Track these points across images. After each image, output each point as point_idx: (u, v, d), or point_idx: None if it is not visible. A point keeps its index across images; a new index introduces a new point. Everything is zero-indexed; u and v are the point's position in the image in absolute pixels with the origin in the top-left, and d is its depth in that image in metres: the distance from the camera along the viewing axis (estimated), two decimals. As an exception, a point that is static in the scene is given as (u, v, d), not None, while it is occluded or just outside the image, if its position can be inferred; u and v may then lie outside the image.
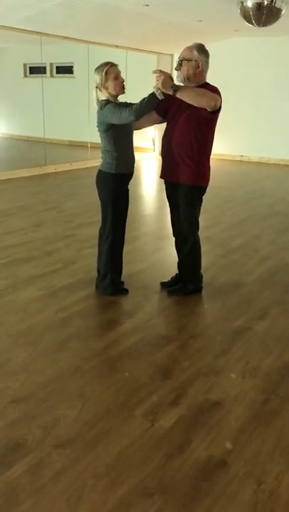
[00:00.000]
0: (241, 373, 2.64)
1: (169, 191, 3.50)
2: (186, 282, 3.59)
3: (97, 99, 3.32)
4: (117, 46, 9.77)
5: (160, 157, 3.66)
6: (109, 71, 3.21)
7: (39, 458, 1.99)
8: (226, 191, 7.34)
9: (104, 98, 3.28)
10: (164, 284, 3.74)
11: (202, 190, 3.44)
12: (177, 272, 3.72)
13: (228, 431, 2.19)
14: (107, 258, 3.51)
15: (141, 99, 3.10)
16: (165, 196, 3.59)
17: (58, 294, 3.59)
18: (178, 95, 3.05)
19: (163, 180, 3.54)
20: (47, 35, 8.52)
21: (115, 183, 3.38)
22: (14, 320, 3.18)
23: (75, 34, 8.77)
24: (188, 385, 2.52)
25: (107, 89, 3.23)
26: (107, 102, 3.24)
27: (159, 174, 3.54)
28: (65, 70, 12.42)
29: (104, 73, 3.20)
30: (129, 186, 3.51)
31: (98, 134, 3.37)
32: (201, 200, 3.48)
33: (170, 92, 3.03)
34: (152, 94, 3.06)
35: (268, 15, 5.80)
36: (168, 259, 4.25)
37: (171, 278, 3.76)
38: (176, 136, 3.27)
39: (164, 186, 3.57)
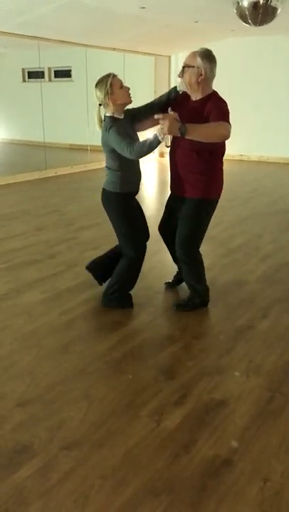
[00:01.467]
0: (245, 372, 2.65)
1: (174, 203, 3.37)
2: (192, 296, 3.44)
3: (100, 119, 3.14)
4: (114, 49, 9.80)
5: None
6: (114, 82, 3.04)
7: (46, 460, 2.00)
8: (227, 190, 7.29)
9: (108, 114, 3.11)
10: (168, 284, 3.76)
11: (211, 204, 3.24)
12: (178, 269, 3.73)
13: (233, 429, 2.20)
14: (119, 276, 3.38)
15: (144, 141, 2.96)
16: (165, 200, 3.54)
17: (61, 296, 3.61)
18: (187, 137, 2.83)
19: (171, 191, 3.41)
20: (44, 39, 8.55)
21: (121, 202, 3.25)
22: (18, 323, 3.20)
23: (72, 38, 8.81)
24: (192, 384, 2.53)
25: (114, 101, 3.05)
26: (112, 121, 3.07)
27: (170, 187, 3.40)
28: (64, 74, 12.46)
29: (109, 85, 3.02)
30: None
31: (98, 136, 3.32)
32: (210, 214, 3.28)
33: (178, 135, 2.81)
34: (155, 137, 2.90)
35: (264, 14, 5.81)
36: (169, 260, 4.25)
37: (174, 277, 3.78)
38: (182, 150, 3.10)
39: (166, 188, 3.53)
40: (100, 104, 3.10)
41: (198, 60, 2.97)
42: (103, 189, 3.32)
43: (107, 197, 3.29)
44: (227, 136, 2.88)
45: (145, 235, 3.43)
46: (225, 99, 3.04)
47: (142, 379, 2.58)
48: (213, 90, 3.10)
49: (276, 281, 3.90)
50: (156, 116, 2.88)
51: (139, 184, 3.33)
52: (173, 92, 3.21)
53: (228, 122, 2.90)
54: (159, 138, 2.88)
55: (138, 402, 2.38)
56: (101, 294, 3.61)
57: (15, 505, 1.79)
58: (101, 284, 3.64)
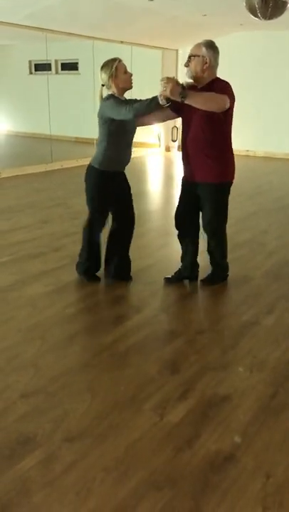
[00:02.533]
0: (249, 367, 2.64)
1: (190, 188, 3.46)
2: (214, 271, 3.71)
3: (101, 97, 3.33)
4: (122, 42, 9.75)
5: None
6: (119, 66, 3.24)
7: (49, 452, 2.01)
8: (233, 186, 7.29)
9: (110, 93, 3.31)
10: (168, 280, 3.74)
11: (228, 186, 3.46)
12: (180, 267, 3.73)
13: (237, 425, 2.19)
14: (83, 244, 3.68)
15: (145, 98, 3.11)
16: (175, 192, 3.59)
17: (66, 289, 3.61)
18: (186, 102, 3.04)
19: (183, 180, 3.53)
20: (52, 31, 8.51)
21: (97, 179, 3.43)
22: (23, 315, 3.20)
23: (79, 30, 8.77)
24: (196, 379, 2.53)
25: (117, 85, 3.25)
26: (112, 96, 3.27)
27: (183, 175, 3.51)
28: (70, 66, 12.42)
29: (114, 69, 3.22)
30: (132, 183, 3.51)
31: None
32: (228, 194, 3.49)
33: (178, 99, 3.02)
34: (155, 98, 3.05)
35: (273, 8, 5.74)
36: (174, 254, 4.25)
37: (175, 273, 3.76)
38: (194, 136, 3.27)
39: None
40: (103, 85, 3.30)
41: (203, 50, 3.18)
42: (88, 164, 3.50)
43: (88, 170, 3.48)
44: (223, 106, 3.09)
45: (102, 222, 3.63)
46: (230, 83, 3.22)
47: (146, 373, 2.58)
48: (217, 76, 3.28)
49: (281, 277, 3.89)
50: (160, 79, 3.07)
51: (123, 165, 3.47)
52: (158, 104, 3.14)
53: (228, 96, 3.11)
54: (159, 99, 3.02)
55: (142, 396, 2.38)
56: (105, 288, 3.63)
57: (18, 495, 1.80)
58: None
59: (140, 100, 3.19)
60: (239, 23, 8.88)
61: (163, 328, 3.08)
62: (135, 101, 3.28)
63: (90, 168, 3.48)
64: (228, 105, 3.11)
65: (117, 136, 3.30)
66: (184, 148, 3.39)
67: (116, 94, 3.28)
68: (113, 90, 3.29)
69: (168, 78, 3.05)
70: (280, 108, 10.36)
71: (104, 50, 10.15)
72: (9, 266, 4.06)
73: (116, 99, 3.22)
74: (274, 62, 10.23)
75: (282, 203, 6.46)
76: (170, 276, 3.76)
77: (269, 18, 6.07)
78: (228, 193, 3.49)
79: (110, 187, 3.45)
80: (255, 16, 6.16)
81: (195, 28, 9.01)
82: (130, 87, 3.31)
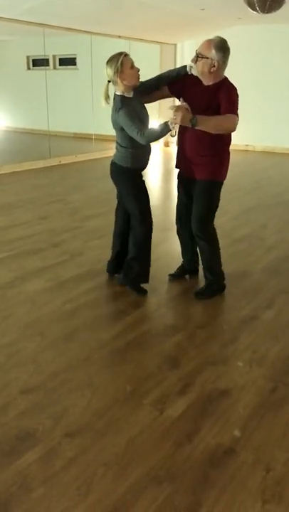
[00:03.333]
0: (249, 362, 2.65)
1: (184, 183, 3.45)
2: (209, 284, 3.49)
3: (106, 95, 3.19)
4: (120, 37, 9.71)
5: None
6: (125, 61, 3.07)
7: (49, 447, 2.01)
8: (232, 181, 7.26)
9: (118, 93, 3.15)
10: (172, 276, 3.74)
11: (219, 185, 3.36)
12: (182, 262, 3.73)
13: (237, 419, 2.20)
14: (138, 246, 3.41)
15: (155, 128, 3.10)
16: (175, 187, 3.58)
17: (66, 285, 3.61)
18: (197, 127, 2.99)
19: (178, 172, 3.50)
20: (49, 26, 8.48)
21: (132, 177, 3.34)
22: (22, 311, 3.20)
23: (77, 25, 8.73)
24: (196, 374, 2.53)
25: (123, 80, 3.09)
26: (122, 101, 3.10)
27: (175, 165, 3.47)
28: (68, 61, 12.37)
29: (119, 64, 3.05)
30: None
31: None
32: (218, 193, 3.38)
33: (189, 126, 2.99)
34: (166, 125, 3.02)
35: (272, 1, 5.72)
36: (174, 250, 4.25)
37: (178, 269, 3.77)
38: (193, 131, 3.14)
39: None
40: (109, 81, 3.17)
41: (213, 52, 3.05)
42: (114, 163, 3.38)
43: (118, 170, 3.36)
44: (233, 130, 3.07)
45: (150, 210, 3.45)
46: (236, 89, 3.15)
47: (146, 368, 2.58)
48: (225, 76, 3.19)
49: (281, 272, 3.89)
50: (169, 107, 3.04)
51: (148, 160, 3.41)
52: (183, 70, 3.25)
53: (236, 114, 3.05)
54: (170, 127, 3.03)
55: (142, 391, 2.38)
56: (104, 283, 3.63)
57: (18, 491, 1.80)
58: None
59: (152, 83, 3.22)
60: (237, 17, 8.84)
61: (163, 323, 3.08)
62: (146, 85, 3.23)
63: (118, 168, 3.33)
64: (235, 128, 3.04)
65: None
66: (182, 143, 3.32)
67: (125, 94, 3.14)
68: (120, 88, 3.13)
69: (178, 107, 3.00)
70: (279, 103, 10.34)
71: (102, 45, 10.13)
72: (8, 262, 4.06)
73: (127, 112, 3.07)
74: (273, 56, 10.20)
75: (282, 197, 6.46)
76: (174, 273, 3.76)
77: (267, 12, 6.04)
78: (218, 192, 3.37)
79: (141, 180, 3.42)
80: (254, 9, 6.14)
81: (193, 22, 8.98)
82: (137, 83, 3.18)
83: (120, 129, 3.19)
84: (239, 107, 3.12)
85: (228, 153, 3.32)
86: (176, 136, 3.34)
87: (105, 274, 3.75)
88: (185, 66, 3.25)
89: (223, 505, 1.75)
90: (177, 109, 2.98)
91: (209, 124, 3.02)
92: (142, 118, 3.19)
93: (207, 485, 1.84)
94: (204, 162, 3.23)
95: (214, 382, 2.46)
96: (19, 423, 2.16)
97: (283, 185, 7.25)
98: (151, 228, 3.45)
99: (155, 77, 3.32)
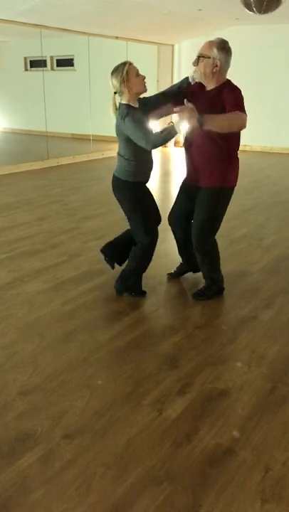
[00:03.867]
0: (247, 362, 2.65)
1: (188, 190, 3.37)
2: (208, 285, 3.46)
3: (115, 106, 3.13)
4: (117, 37, 9.72)
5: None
6: (130, 69, 3.03)
7: (48, 448, 2.01)
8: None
9: (124, 102, 3.09)
10: (170, 275, 3.75)
11: (228, 192, 3.26)
12: (181, 261, 3.74)
13: (236, 419, 2.20)
14: (136, 264, 3.38)
15: (161, 130, 2.98)
16: (175, 187, 3.53)
17: (64, 286, 3.61)
18: (205, 128, 2.83)
19: (183, 181, 3.43)
20: (47, 27, 8.48)
21: (133, 191, 3.24)
22: (21, 312, 3.20)
23: (74, 26, 8.73)
24: (194, 374, 2.53)
25: (130, 89, 3.04)
26: (127, 109, 3.06)
27: (184, 178, 3.41)
28: (66, 62, 12.37)
29: (125, 73, 3.01)
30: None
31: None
32: (226, 203, 3.29)
33: (196, 126, 2.81)
34: (173, 129, 2.91)
35: (269, 2, 5.74)
36: (172, 250, 4.25)
37: (177, 268, 3.77)
38: (198, 139, 3.09)
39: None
40: (116, 92, 3.09)
41: (214, 52, 2.98)
42: (115, 176, 3.28)
43: (119, 185, 3.26)
44: (243, 127, 2.93)
45: (156, 220, 3.39)
46: (240, 90, 3.07)
47: (145, 368, 2.58)
48: (227, 79, 3.11)
49: (280, 272, 3.89)
50: (174, 109, 2.89)
51: (150, 173, 3.32)
52: (185, 82, 3.22)
53: (244, 112, 2.94)
54: (177, 129, 2.88)
55: (140, 391, 2.38)
56: (103, 284, 3.62)
57: (17, 492, 1.80)
58: (113, 268, 3.58)
59: (159, 100, 3.15)
60: (235, 17, 8.85)
61: (161, 324, 3.08)
62: (145, 104, 3.16)
63: (120, 182, 3.24)
64: (245, 125, 2.92)
65: (141, 148, 3.09)
66: (189, 152, 3.25)
67: (131, 103, 3.09)
68: (126, 98, 3.07)
69: (182, 107, 2.85)
70: (276, 103, 10.35)
71: (100, 46, 10.14)
72: (7, 263, 4.06)
73: (133, 119, 2.99)
74: (270, 57, 10.21)
75: (280, 197, 6.46)
76: (172, 272, 3.77)
77: (264, 12, 6.06)
78: (227, 201, 3.28)
79: (146, 193, 3.32)
80: (250, 10, 6.15)
81: (190, 23, 8.99)
82: (144, 91, 3.12)
83: (124, 139, 3.11)
84: None
85: (236, 158, 3.23)
86: (176, 138, 3.32)
87: (104, 275, 3.75)
88: (186, 78, 3.20)
89: (222, 505, 1.75)
90: (182, 109, 2.83)
91: (217, 122, 2.87)
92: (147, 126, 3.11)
93: (206, 485, 1.84)
94: (212, 168, 3.13)
95: (213, 383, 2.46)
96: (18, 424, 2.16)
97: (281, 185, 7.26)
98: (154, 244, 3.36)
99: (158, 94, 3.29)
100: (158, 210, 3.40)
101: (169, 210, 3.56)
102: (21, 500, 1.77)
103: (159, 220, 3.41)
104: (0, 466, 1.92)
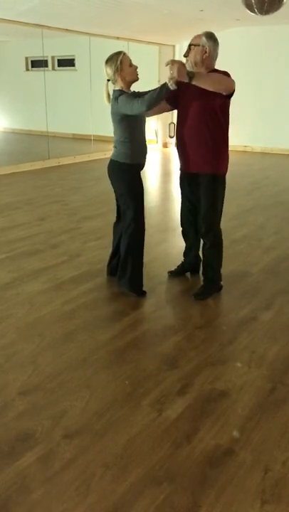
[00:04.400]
0: (247, 363, 2.65)
1: (188, 182, 3.48)
2: (207, 284, 3.50)
3: (108, 93, 3.28)
4: (118, 38, 9.72)
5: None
6: (124, 59, 3.19)
7: (48, 448, 2.01)
8: (230, 181, 7.24)
9: (117, 88, 3.24)
10: (172, 273, 3.78)
11: (223, 178, 3.40)
12: (183, 259, 3.76)
13: (235, 419, 2.20)
14: (133, 256, 3.39)
15: (152, 89, 3.06)
16: (176, 187, 3.59)
17: (64, 286, 3.61)
18: (194, 82, 2.96)
19: (180, 173, 3.53)
20: (48, 27, 8.48)
21: (132, 173, 3.34)
22: (21, 313, 3.20)
23: (76, 26, 8.74)
24: (194, 374, 2.53)
25: (123, 78, 3.19)
26: (121, 92, 3.19)
27: (179, 167, 3.51)
28: (67, 62, 12.38)
29: (119, 62, 3.17)
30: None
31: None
32: (224, 188, 3.43)
33: (186, 80, 2.93)
34: (164, 85, 2.98)
35: (270, 3, 5.73)
36: (172, 251, 4.26)
37: (178, 266, 3.78)
38: (191, 126, 3.24)
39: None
40: (109, 80, 3.25)
41: (203, 39, 3.19)
42: (112, 160, 3.38)
43: (116, 167, 3.35)
44: (230, 87, 3.10)
45: (143, 214, 3.44)
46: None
47: (145, 368, 2.58)
48: (215, 68, 3.27)
49: (279, 273, 3.89)
50: (165, 63, 3.05)
51: (145, 157, 3.42)
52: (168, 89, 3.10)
53: (232, 80, 3.12)
54: (168, 84, 2.95)
55: (140, 392, 2.38)
56: (103, 284, 3.63)
57: (17, 492, 1.80)
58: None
59: (148, 91, 3.15)
60: (236, 18, 8.86)
61: (161, 324, 3.08)
62: (140, 94, 3.24)
63: (117, 164, 3.34)
64: (233, 88, 3.11)
65: (136, 128, 3.27)
66: (181, 139, 3.35)
67: (124, 89, 3.23)
68: (120, 85, 3.23)
69: (173, 61, 2.98)
70: (277, 103, 10.35)
71: (101, 46, 10.13)
72: (7, 263, 4.06)
73: (126, 95, 3.15)
74: (271, 57, 10.21)
75: (280, 198, 6.47)
76: (173, 270, 3.78)
77: (265, 13, 6.05)
78: (223, 186, 3.41)
79: (140, 178, 3.41)
80: (252, 11, 6.14)
81: (192, 24, 8.98)
82: (136, 79, 3.26)
83: (120, 120, 3.23)
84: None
85: (227, 145, 3.36)
86: (175, 137, 3.36)
87: (104, 275, 3.76)
88: (164, 83, 3.10)
89: (222, 506, 1.75)
90: (173, 63, 2.96)
91: (207, 79, 3.04)
92: (142, 116, 3.23)
93: (206, 485, 1.84)
94: (206, 155, 3.27)
95: (213, 383, 2.46)
96: (18, 424, 2.16)
97: (282, 186, 7.26)
98: (144, 229, 3.42)
99: (150, 90, 3.28)
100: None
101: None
102: (21, 500, 1.77)
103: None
104: (0, 466, 1.92)
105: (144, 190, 3.44)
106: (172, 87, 2.95)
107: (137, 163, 3.35)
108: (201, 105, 3.17)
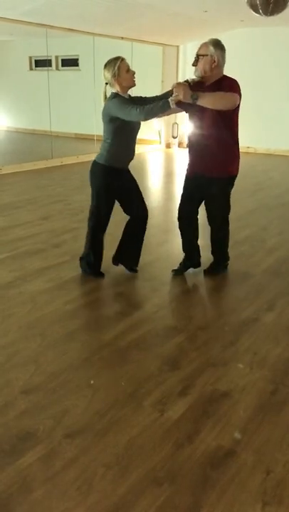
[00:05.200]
0: (249, 364, 2.65)
1: (196, 183, 3.56)
2: (217, 262, 3.82)
3: (105, 95, 3.39)
4: (122, 38, 9.72)
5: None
6: (122, 65, 3.28)
7: (50, 447, 2.01)
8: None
9: (114, 91, 3.34)
10: (175, 271, 3.81)
11: (234, 179, 3.57)
12: (184, 257, 3.82)
13: (237, 421, 2.20)
14: (87, 240, 3.69)
15: (154, 100, 3.23)
16: (179, 188, 3.66)
17: (66, 285, 3.61)
18: (199, 103, 3.12)
19: (189, 174, 3.61)
20: (52, 27, 8.49)
21: (102, 174, 3.46)
22: (23, 312, 3.20)
23: (80, 26, 8.74)
24: (196, 375, 2.53)
25: (120, 83, 3.29)
26: (116, 95, 3.30)
27: (188, 169, 3.60)
28: (71, 62, 12.38)
29: (116, 68, 3.26)
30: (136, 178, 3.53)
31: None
32: (232, 188, 3.62)
33: (190, 101, 3.10)
34: (167, 102, 3.10)
35: (275, 4, 5.72)
36: (175, 251, 4.25)
37: (180, 264, 3.83)
38: (205, 130, 3.35)
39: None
40: (107, 84, 3.36)
41: (211, 49, 3.24)
42: (93, 160, 3.53)
43: (93, 166, 3.51)
44: (234, 104, 3.19)
45: (106, 216, 3.62)
46: (237, 81, 3.32)
47: (146, 369, 2.58)
48: (224, 74, 3.36)
49: (282, 274, 3.89)
50: (171, 85, 3.18)
51: (127, 162, 3.51)
52: (169, 107, 3.18)
53: (237, 93, 3.21)
54: (171, 103, 3.09)
55: (142, 392, 2.38)
56: (105, 284, 3.65)
57: (18, 491, 1.80)
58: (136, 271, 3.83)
59: (147, 100, 3.30)
60: (240, 19, 8.86)
61: (163, 325, 3.08)
62: (140, 99, 3.35)
63: (94, 164, 3.51)
64: (238, 102, 3.21)
65: (122, 133, 3.34)
66: (195, 142, 3.47)
67: (120, 93, 3.32)
68: (116, 88, 3.33)
69: (178, 84, 3.14)
70: (281, 104, 10.34)
71: (105, 46, 10.13)
72: (9, 263, 4.06)
73: (121, 99, 3.25)
74: (275, 59, 10.20)
75: (283, 199, 6.46)
76: (177, 268, 3.80)
77: (270, 14, 6.04)
78: (232, 188, 3.62)
79: (116, 184, 3.50)
80: (257, 12, 6.13)
81: (196, 24, 8.99)
82: (133, 85, 3.36)
83: (108, 121, 3.31)
84: (241, 108, 3.32)
85: (238, 148, 3.49)
86: (188, 141, 3.49)
87: (106, 275, 3.76)
88: (167, 101, 3.17)
89: (223, 507, 1.75)
90: (178, 85, 3.11)
91: (209, 99, 3.14)
92: (134, 122, 3.32)
93: (207, 486, 1.84)
94: (221, 158, 3.39)
95: (215, 384, 2.46)
96: (20, 423, 2.16)
97: (284, 187, 7.25)
98: (99, 227, 3.65)
99: (147, 98, 3.44)
100: (137, 202, 3.63)
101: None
102: (22, 499, 1.77)
103: (138, 215, 3.66)
104: (1, 465, 1.92)
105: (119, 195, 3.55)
106: (173, 106, 3.12)
107: (110, 167, 3.42)
108: (212, 111, 3.23)
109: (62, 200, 6.27)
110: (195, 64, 3.30)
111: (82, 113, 11.45)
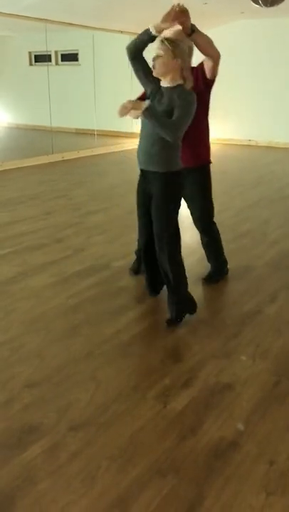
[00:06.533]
0: (252, 356, 2.66)
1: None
2: (216, 268, 3.62)
3: None
4: (121, 32, 9.68)
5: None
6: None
7: (54, 441, 2.03)
8: (235, 176, 7.30)
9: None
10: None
11: (209, 167, 3.39)
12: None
13: (240, 412, 2.21)
14: (179, 276, 3.04)
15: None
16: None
17: (69, 280, 3.62)
18: (194, 35, 3.05)
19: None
20: (51, 22, 8.46)
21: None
22: (26, 307, 3.21)
23: (79, 20, 8.70)
24: (199, 368, 2.54)
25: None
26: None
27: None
28: (71, 57, 12.34)
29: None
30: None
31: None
32: (210, 177, 3.43)
33: (188, 32, 3.01)
34: (147, 30, 3.07)
35: (275, -5, 5.70)
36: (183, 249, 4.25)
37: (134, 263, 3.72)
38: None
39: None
40: None
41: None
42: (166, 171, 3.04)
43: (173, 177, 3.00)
44: (218, 56, 3.10)
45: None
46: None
47: (149, 362, 2.60)
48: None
49: (283, 267, 3.89)
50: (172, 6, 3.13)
51: (140, 159, 2.99)
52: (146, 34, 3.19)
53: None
54: (151, 29, 3.13)
55: (145, 385, 2.40)
56: (107, 279, 3.63)
57: (23, 484, 1.82)
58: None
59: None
60: (240, 11, 8.80)
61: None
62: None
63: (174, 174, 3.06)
64: (219, 58, 3.11)
65: (141, 130, 3.00)
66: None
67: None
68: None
69: (175, 9, 3.11)
70: (282, 97, 10.29)
71: (105, 40, 10.11)
72: (12, 258, 4.07)
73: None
74: (275, 51, 10.14)
75: (285, 192, 6.45)
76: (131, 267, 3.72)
77: (270, 6, 6.01)
78: (210, 177, 3.42)
79: (141, 186, 3.08)
80: (257, 3, 6.10)
81: (196, 17, 8.89)
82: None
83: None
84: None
85: (208, 137, 3.37)
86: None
87: (108, 269, 3.77)
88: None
89: (226, 497, 1.76)
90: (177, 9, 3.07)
91: (204, 36, 3.10)
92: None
93: (211, 477, 1.85)
94: (196, 147, 3.25)
95: (217, 376, 2.47)
96: (24, 417, 2.17)
97: (286, 181, 7.23)
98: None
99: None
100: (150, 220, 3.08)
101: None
102: (27, 492, 1.79)
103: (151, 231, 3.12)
104: (6, 458, 1.94)
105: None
106: (154, 32, 3.16)
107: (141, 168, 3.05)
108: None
109: (64, 195, 6.27)
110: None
111: (82, 108, 11.42)
